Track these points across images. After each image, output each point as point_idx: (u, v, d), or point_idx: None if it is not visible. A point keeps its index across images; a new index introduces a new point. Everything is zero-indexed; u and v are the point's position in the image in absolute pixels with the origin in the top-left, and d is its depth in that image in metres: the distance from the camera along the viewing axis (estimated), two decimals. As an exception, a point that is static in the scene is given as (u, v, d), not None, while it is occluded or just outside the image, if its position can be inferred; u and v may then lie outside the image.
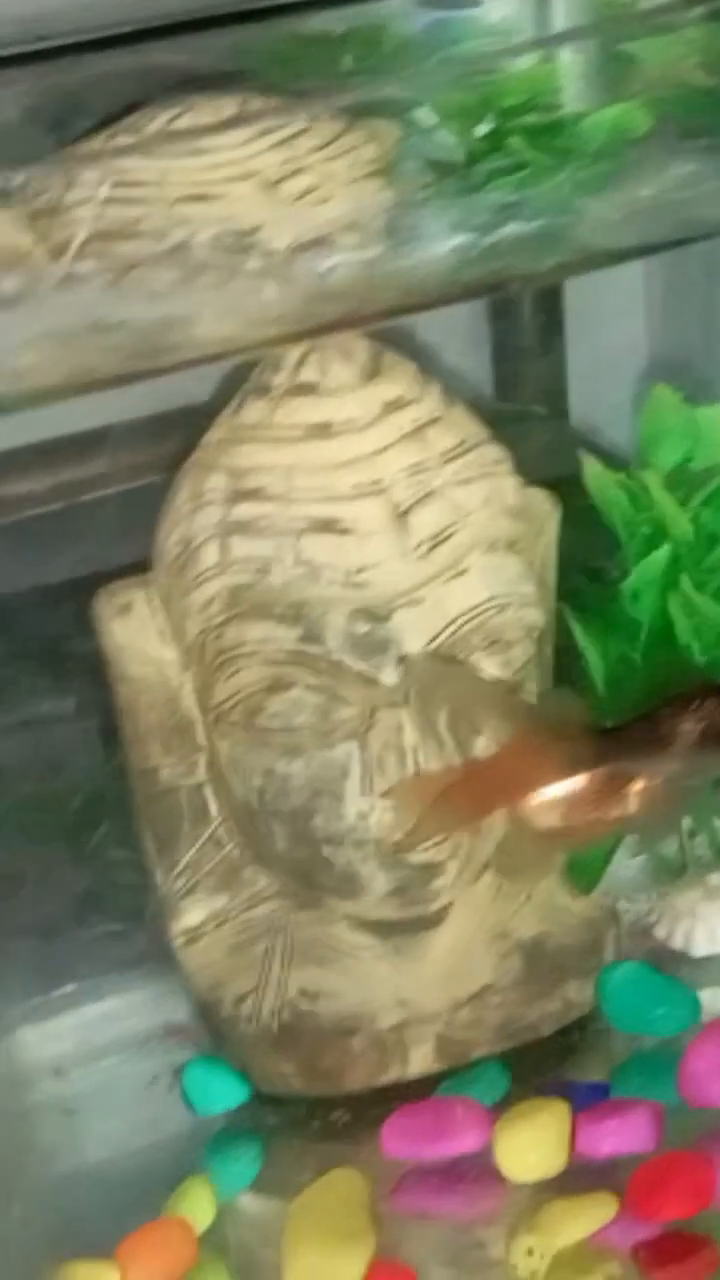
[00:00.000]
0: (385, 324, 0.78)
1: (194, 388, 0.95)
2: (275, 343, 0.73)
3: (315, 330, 0.71)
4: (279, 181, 0.76)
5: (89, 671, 1.01)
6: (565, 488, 0.93)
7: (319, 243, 0.71)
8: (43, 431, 1.06)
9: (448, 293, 0.74)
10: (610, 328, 1.27)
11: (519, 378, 1.29)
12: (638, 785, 0.76)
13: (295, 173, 0.77)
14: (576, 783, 0.76)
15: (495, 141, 0.79)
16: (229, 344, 0.69)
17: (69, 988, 0.96)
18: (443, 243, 0.72)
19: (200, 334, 0.67)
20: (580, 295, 1.25)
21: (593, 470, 0.92)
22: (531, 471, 0.90)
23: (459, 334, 1.23)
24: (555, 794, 0.76)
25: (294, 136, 0.79)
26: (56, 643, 1.05)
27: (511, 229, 0.72)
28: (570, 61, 0.88)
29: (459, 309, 1.20)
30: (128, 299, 0.67)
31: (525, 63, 0.86)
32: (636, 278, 1.28)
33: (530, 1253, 0.82)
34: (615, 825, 0.78)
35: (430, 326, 1.09)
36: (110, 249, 0.72)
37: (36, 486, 1.08)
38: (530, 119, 0.81)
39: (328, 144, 0.79)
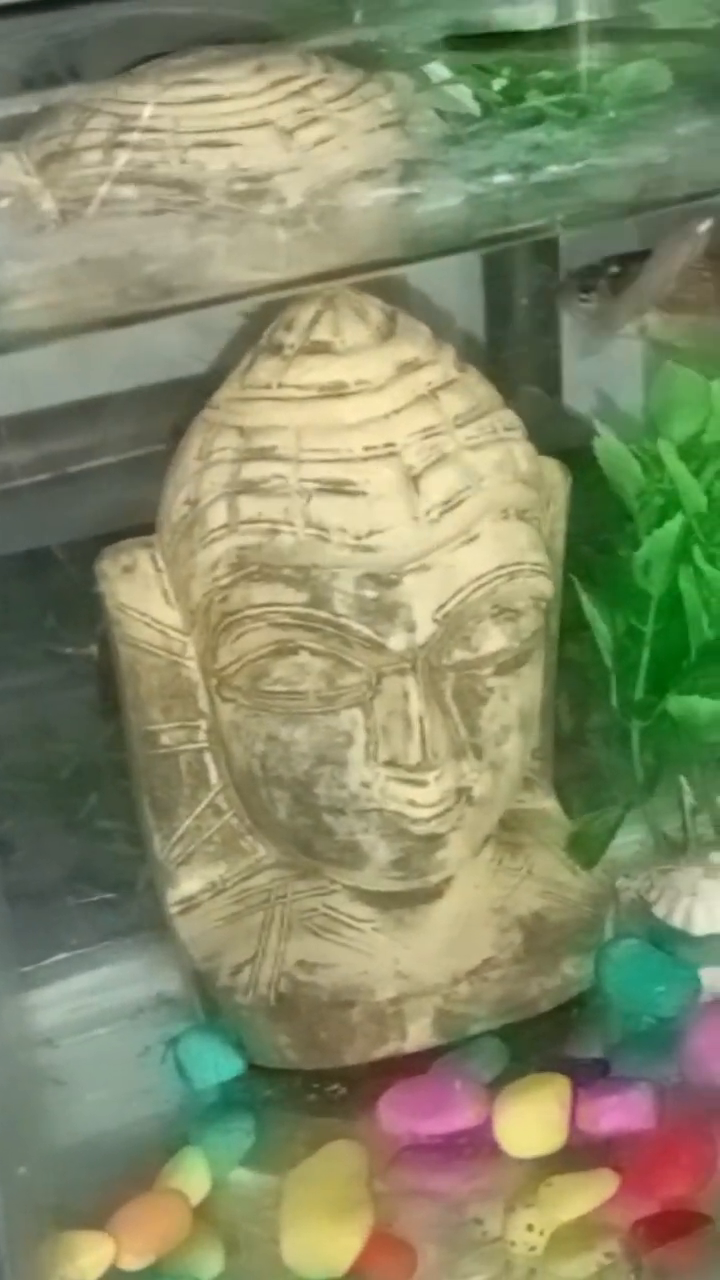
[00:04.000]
0: (391, 272, 0.76)
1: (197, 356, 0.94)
2: (289, 286, 0.72)
3: (326, 275, 0.70)
4: (295, 130, 0.75)
5: (85, 637, 1.00)
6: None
7: (333, 189, 0.70)
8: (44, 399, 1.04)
9: (457, 241, 0.73)
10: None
11: (513, 346, 1.27)
12: None
13: (311, 121, 0.76)
14: None
15: (512, 95, 0.78)
16: (244, 287, 0.67)
17: (60, 957, 0.95)
18: (456, 191, 0.70)
19: (214, 275, 0.66)
20: (577, 262, 1.24)
21: (605, 440, 0.91)
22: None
23: (452, 301, 1.22)
24: None
25: (310, 86, 0.77)
26: (52, 607, 1.04)
27: (526, 179, 0.71)
28: (587, 20, 0.87)
29: (453, 275, 1.18)
30: (139, 237, 0.65)
31: (543, 19, 0.85)
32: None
33: (530, 1229, 0.81)
34: None
35: (423, 291, 1.07)
36: (123, 192, 0.70)
37: (34, 454, 1.07)
38: (547, 74, 0.80)
39: (344, 94, 0.78)
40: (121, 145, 0.73)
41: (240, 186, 0.70)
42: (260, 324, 0.87)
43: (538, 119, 0.74)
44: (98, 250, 0.64)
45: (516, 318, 1.26)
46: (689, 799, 0.97)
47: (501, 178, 0.68)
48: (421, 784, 0.84)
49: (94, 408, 1.05)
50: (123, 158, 0.71)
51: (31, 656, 1.06)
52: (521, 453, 0.87)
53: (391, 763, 0.84)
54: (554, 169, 0.68)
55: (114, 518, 0.92)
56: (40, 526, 1.03)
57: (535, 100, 0.76)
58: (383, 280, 0.88)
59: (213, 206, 0.68)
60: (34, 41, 0.88)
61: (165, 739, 0.89)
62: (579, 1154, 0.84)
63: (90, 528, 0.97)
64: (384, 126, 0.76)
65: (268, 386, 0.84)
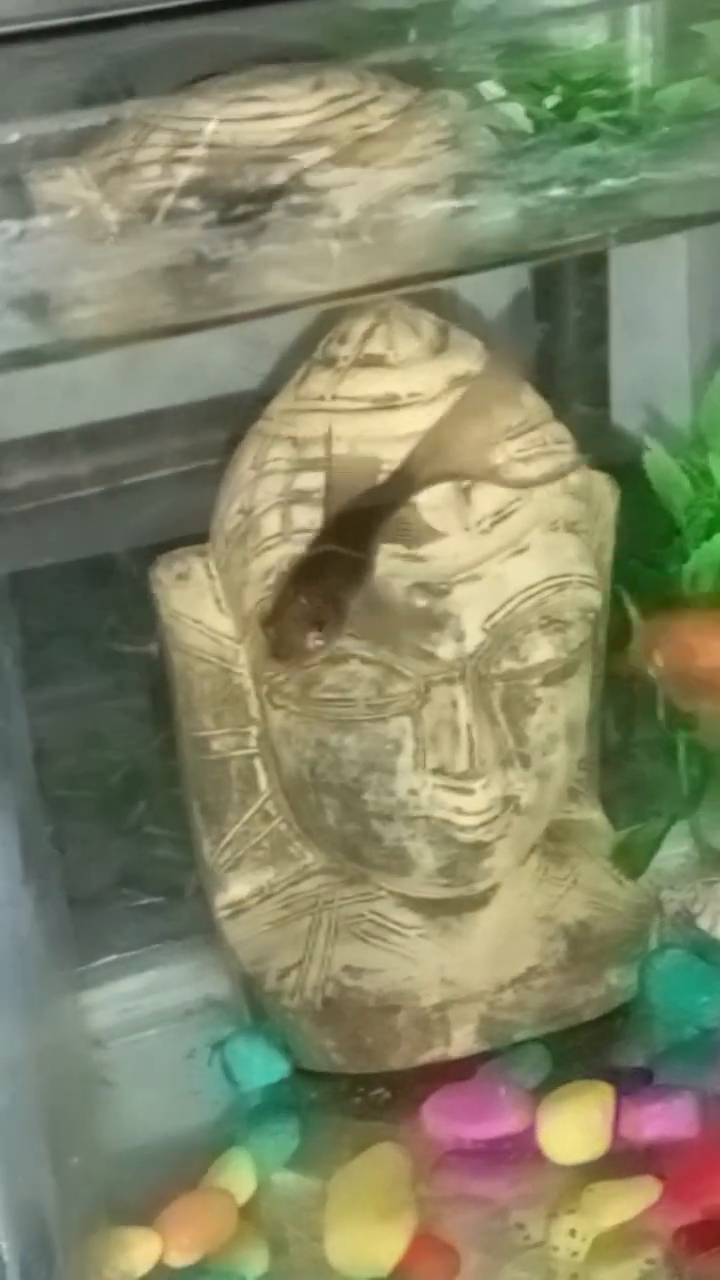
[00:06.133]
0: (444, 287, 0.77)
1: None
2: (342, 296, 0.73)
3: (379, 286, 0.71)
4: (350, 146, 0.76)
5: (142, 640, 1.01)
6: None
7: (387, 204, 0.71)
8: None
9: (510, 254, 0.74)
10: (656, 314, 1.26)
11: (563, 367, 1.28)
12: None
13: (366, 138, 0.77)
14: None
15: (564, 113, 0.79)
16: (300, 297, 0.69)
17: (110, 959, 0.96)
18: (509, 204, 0.71)
19: (271, 286, 0.67)
20: (626, 281, 1.24)
21: (655, 454, 0.92)
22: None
23: (503, 322, 1.23)
24: None
25: (366, 103, 0.78)
26: (108, 615, 1.05)
27: (580, 193, 0.72)
28: (639, 39, 0.88)
29: (504, 297, 1.19)
30: (201, 248, 0.67)
31: (595, 39, 0.85)
32: (680, 268, 1.27)
33: (572, 1234, 0.81)
34: None
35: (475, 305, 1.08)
36: (182, 205, 0.71)
37: (81, 468, 1.08)
38: (600, 92, 0.81)
39: (399, 111, 0.79)
40: (180, 160, 0.74)
41: (296, 200, 0.71)
42: (313, 338, 0.88)
43: (591, 135, 0.75)
44: (159, 259, 0.65)
45: (566, 332, 1.26)
46: (732, 813, 0.97)
47: (555, 191, 0.68)
48: (468, 792, 0.85)
49: (150, 421, 1.06)
50: (184, 173, 0.73)
51: (83, 665, 1.07)
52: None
53: (439, 770, 0.85)
54: (608, 182, 0.69)
55: (168, 527, 0.93)
56: (96, 535, 1.04)
57: (588, 117, 0.77)
58: (434, 294, 0.89)
59: (269, 219, 0.70)
60: (91, 60, 0.89)
61: (216, 745, 0.90)
62: (621, 1161, 0.84)
63: (145, 536, 0.98)
64: (438, 143, 0.77)
65: (321, 398, 0.85)
